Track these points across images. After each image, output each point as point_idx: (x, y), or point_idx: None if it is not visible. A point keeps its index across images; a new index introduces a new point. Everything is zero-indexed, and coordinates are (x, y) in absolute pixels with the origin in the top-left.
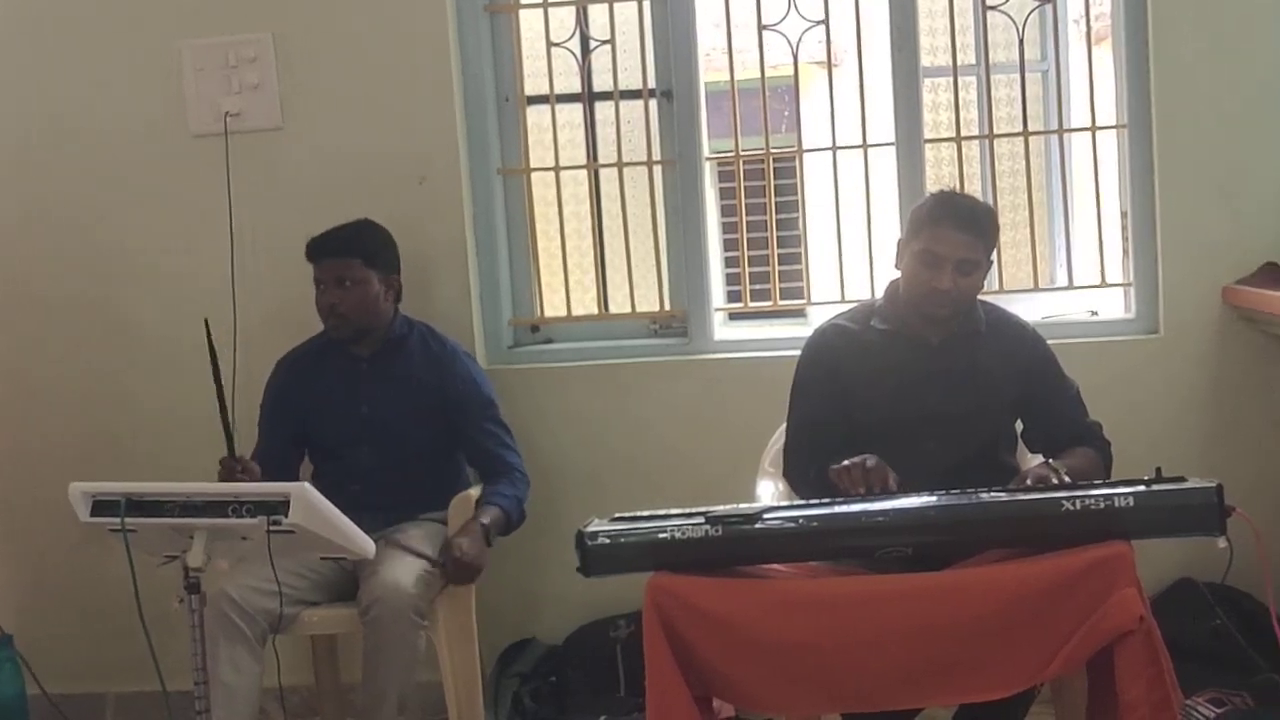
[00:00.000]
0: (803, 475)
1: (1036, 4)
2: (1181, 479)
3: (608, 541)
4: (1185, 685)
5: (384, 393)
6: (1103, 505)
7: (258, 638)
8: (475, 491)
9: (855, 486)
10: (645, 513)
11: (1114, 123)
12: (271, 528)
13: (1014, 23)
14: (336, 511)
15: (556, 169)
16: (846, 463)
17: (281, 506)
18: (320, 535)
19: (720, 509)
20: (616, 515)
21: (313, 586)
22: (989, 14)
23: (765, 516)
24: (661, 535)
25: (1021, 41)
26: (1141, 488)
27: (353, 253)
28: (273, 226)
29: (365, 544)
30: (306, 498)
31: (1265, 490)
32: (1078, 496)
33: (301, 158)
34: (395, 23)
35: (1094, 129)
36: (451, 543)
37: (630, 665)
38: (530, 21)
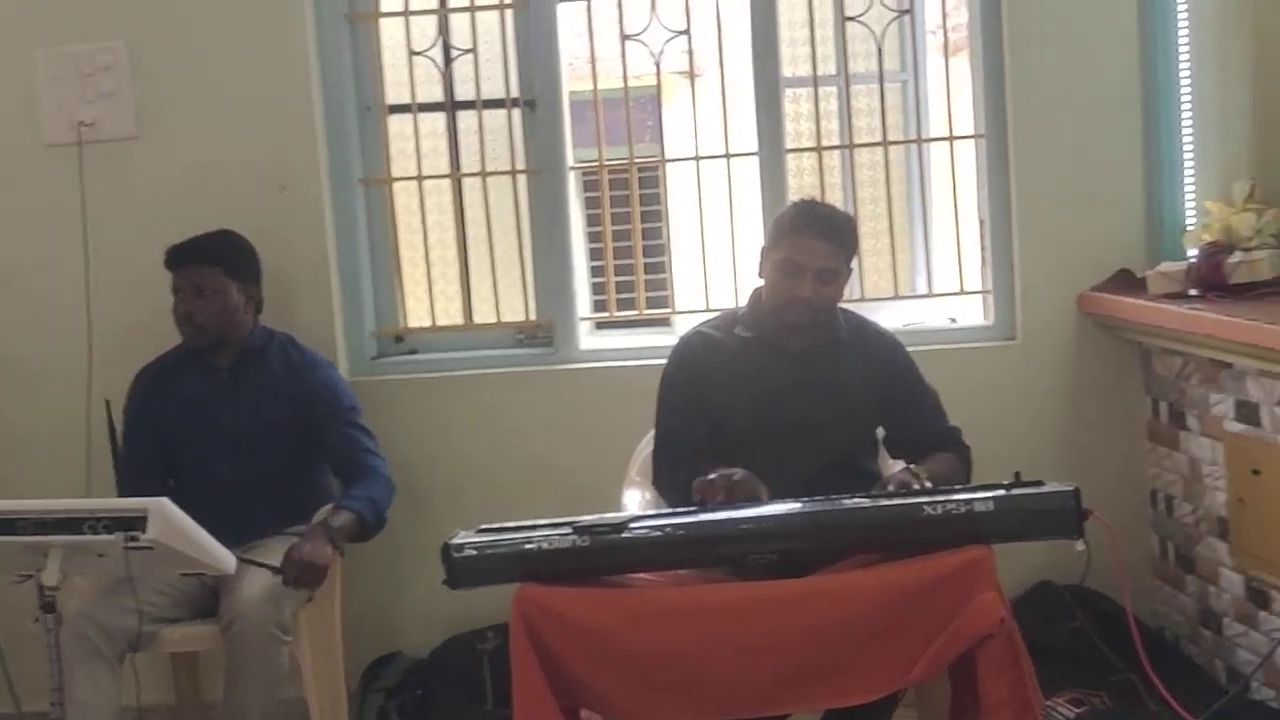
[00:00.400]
0: (671, 483)
1: (895, 15)
2: (1040, 483)
3: (474, 553)
4: (1045, 686)
5: (244, 404)
6: (963, 510)
7: (116, 656)
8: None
9: (717, 499)
10: (512, 524)
11: (971, 132)
12: (129, 544)
13: (873, 33)
14: (196, 526)
15: (419, 178)
16: (712, 475)
17: (139, 522)
18: (179, 551)
19: (587, 519)
20: (483, 526)
21: (173, 603)
22: (848, 25)
23: (632, 526)
24: (528, 546)
25: (880, 52)
26: (1001, 492)
27: (212, 261)
28: (129, 237)
29: (226, 559)
30: (164, 513)
31: (1121, 493)
32: (939, 501)
33: (158, 167)
34: (254, 31)
35: (952, 138)
36: (293, 546)
37: (498, 678)
38: (391, 30)
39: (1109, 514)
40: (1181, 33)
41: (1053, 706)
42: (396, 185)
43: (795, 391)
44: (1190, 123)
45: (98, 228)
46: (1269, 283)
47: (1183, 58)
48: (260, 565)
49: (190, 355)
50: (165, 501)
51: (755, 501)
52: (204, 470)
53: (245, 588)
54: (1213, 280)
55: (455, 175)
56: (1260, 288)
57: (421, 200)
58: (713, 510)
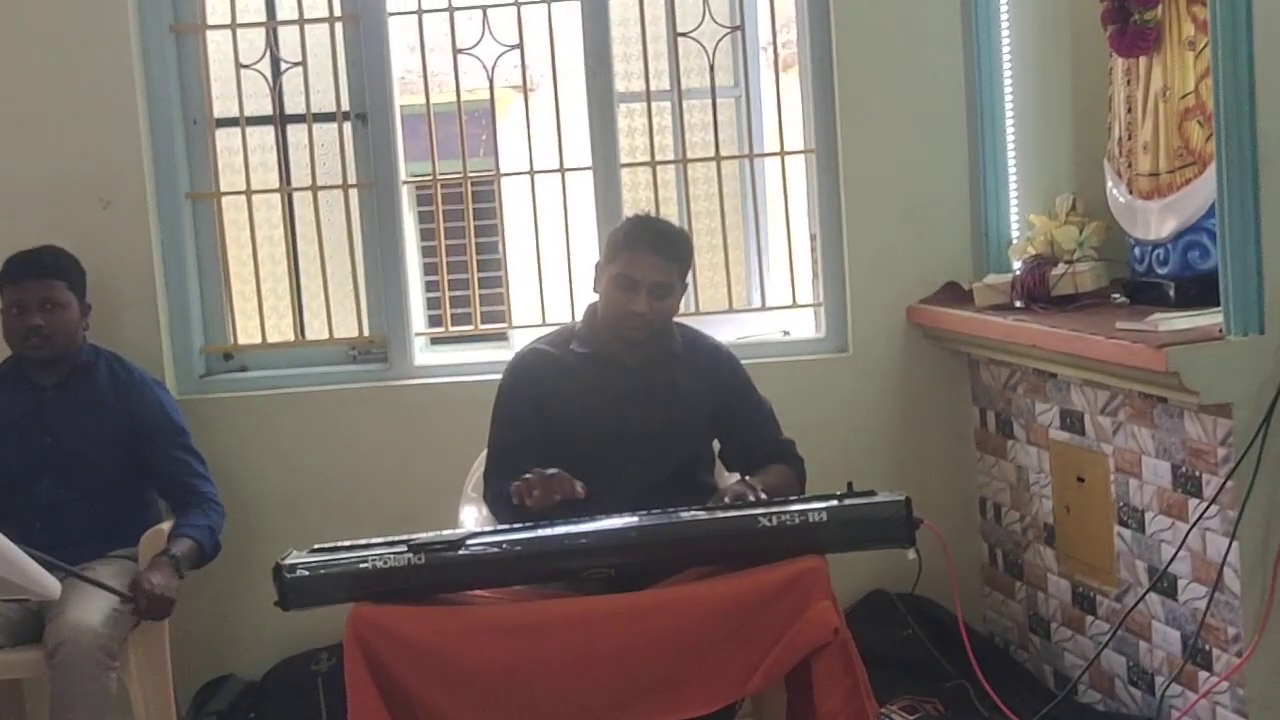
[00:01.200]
0: (502, 499)
1: (726, 31)
2: (872, 493)
3: (306, 574)
4: (879, 694)
5: (69, 422)
6: (798, 520)
7: None
8: (167, 526)
9: (533, 496)
10: (346, 542)
11: (802, 147)
12: None
13: (705, 49)
14: (17, 550)
15: (248, 193)
16: (526, 476)
17: None
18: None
19: (423, 536)
20: (316, 546)
21: None
22: (681, 40)
23: (469, 543)
24: (363, 565)
25: (712, 68)
26: (834, 502)
27: (57, 275)
28: None
29: (49, 584)
30: None
31: (951, 502)
32: (774, 513)
33: None
34: (76, 42)
35: (783, 154)
36: (141, 576)
37: (333, 700)
38: (218, 43)
39: (939, 522)
40: (1004, 53)
41: (887, 714)
42: (225, 200)
43: (631, 405)
44: (1014, 139)
45: None
46: (1091, 294)
47: (1006, 77)
48: (108, 589)
49: (14, 374)
50: None
51: (573, 498)
52: (26, 491)
53: (70, 613)
54: (1037, 292)
55: (285, 189)
56: (1083, 299)
57: (251, 215)
58: (549, 526)
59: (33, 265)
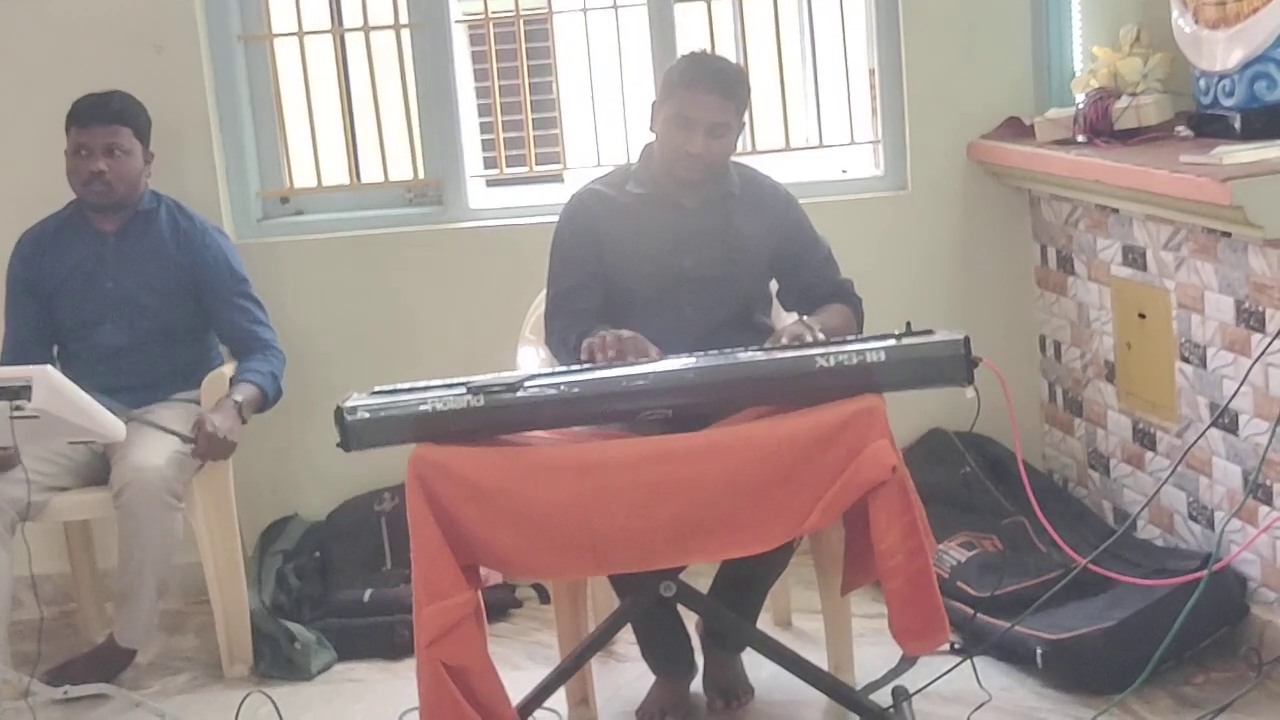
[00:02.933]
0: (564, 341)
1: None
2: (930, 332)
3: (367, 415)
4: (937, 531)
5: (130, 269)
6: (855, 360)
7: (6, 527)
8: (228, 369)
9: (607, 358)
10: (405, 385)
11: None
12: (14, 414)
13: None
14: (82, 394)
15: (300, 34)
16: (600, 334)
17: (24, 391)
18: (66, 419)
19: (481, 378)
20: (376, 389)
21: (63, 471)
22: None
23: (527, 384)
24: (423, 407)
25: None
26: (892, 342)
27: (124, 121)
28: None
29: (115, 426)
30: (50, 381)
31: (1010, 340)
32: (831, 353)
33: (28, 27)
34: None
35: None
36: (204, 418)
37: (395, 538)
38: None
39: (999, 360)
40: None
41: (945, 550)
42: (277, 42)
43: (689, 246)
44: None
45: None
46: (1156, 127)
47: None
48: (170, 432)
49: (75, 219)
50: (50, 369)
51: (645, 359)
52: (90, 337)
53: (135, 455)
54: (1100, 126)
55: (337, 31)
56: (1147, 132)
57: (303, 57)
58: (608, 367)
59: (100, 110)
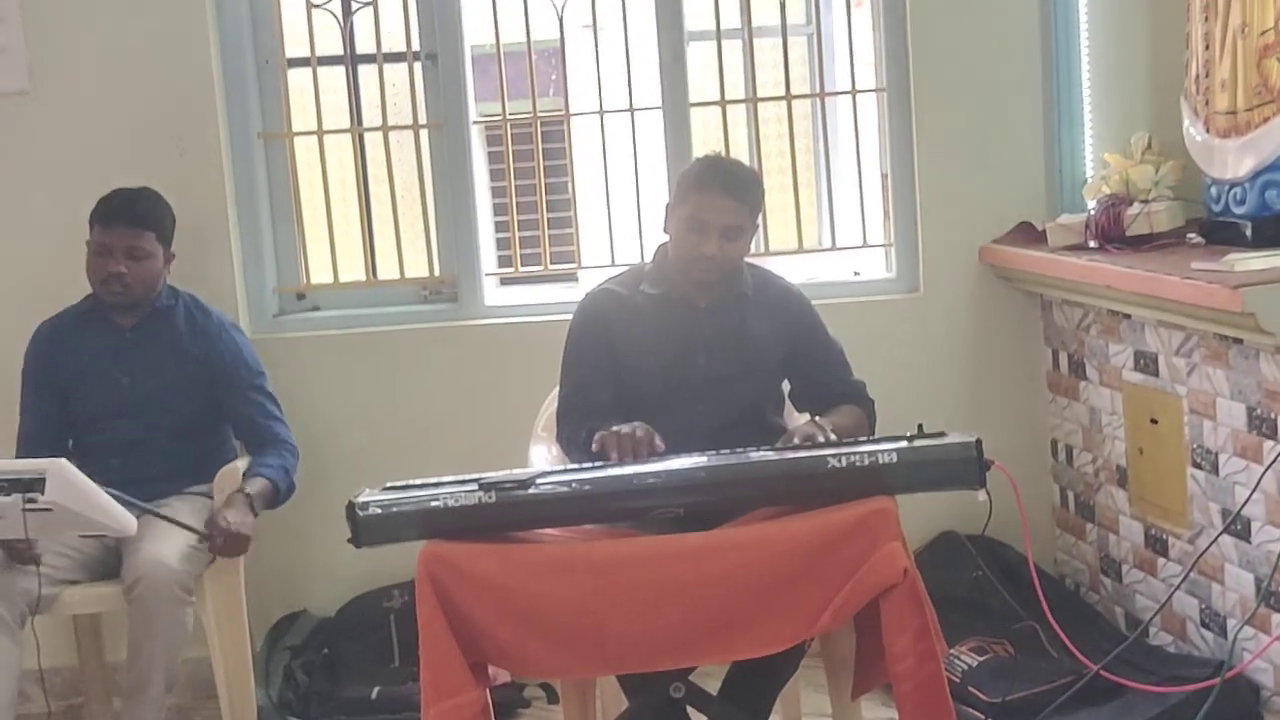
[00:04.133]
0: (575, 440)
1: None
2: (942, 434)
3: (379, 511)
4: (949, 635)
5: (146, 364)
6: (867, 461)
7: (16, 619)
8: (242, 464)
9: (618, 453)
10: (417, 481)
11: (874, 86)
12: (28, 506)
13: None
14: (96, 488)
15: (320, 133)
16: (614, 428)
17: (38, 484)
18: (79, 513)
19: (493, 475)
20: (388, 484)
21: (74, 565)
22: None
23: (538, 481)
24: (434, 503)
25: (783, 5)
26: (904, 444)
27: (148, 225)
28: (23, 195)
29: (126, 520)
30: (63, 474)
31: (1022, 444)
32: (843, 453)
33: (52, 123)
34: None
35: (854, 92)
36: (218, 514)
37: (404, 635)
38: None
39: (1011, 464)
40: None
41: (956, 655)
42: (297, 140)
43: (702, 346)
44: (1089, 76)
45: None
46: (1167, 234)
47: (1081, 12)
48: (186, 528)
49: (93, 312)
50: (64, 462)
51: (654, 454)
52: (105, 430)
53: (148, 548)
54: (1112, 232)
55: (356, 130)
56: (1158, 239)
57: (322, 155)
58: (619, 465)
59: (126, 212)
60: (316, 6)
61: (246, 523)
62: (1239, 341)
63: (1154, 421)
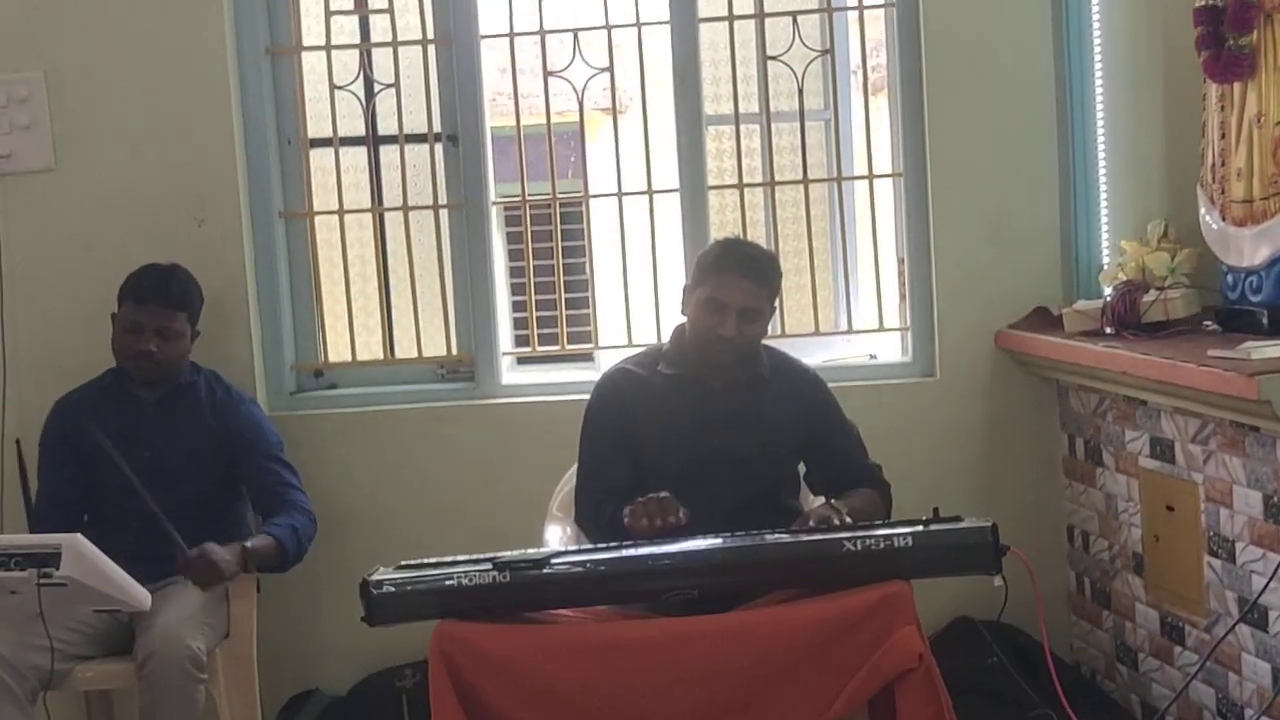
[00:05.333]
0: (594, 519)
1: (816, 54)
2: (958, 519)
3: (393, 590)
4: None
5: (167, 439)
6: (882, 545)
7: (28, 695)
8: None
9: (648, 520)
10: (432, 559)
11: (891, 170)
12: (42, 581)
13: (794, 73)
14: (110, 563)
15: (340, 212)
16: (641, 499)
17: (53, 559)
18: (94, 588)
19: (508, 554)
20: (402, 563)
21: (87, 640)
22: (770, 64)
23: (553, 561)
24: (448, 582)
25: (801, 91)
26: (920, 528)
27: (181, 305)
28: (45, 269)
29: (140, 596)
30: (79, 549)
31: (1038, 530)
32: (858, 537)
33: (76, 199)
34: (175, 63)
35: (871, 177)
36: (205, 545)
37: (417, 715)
38: (313, 64)
39: (1026, 550)
40: (1096, 77)
41: None
42: (317, 219)
43: (718, 428)
44: (1105, 163)
45: (14, 261)
46: (1183, 321)
47: (1098, 101)
48: (170, 532)
49: (114, 386)
50: (79, 538)
51: (677, 522)
52: (122, 505)
53: (161, 625)
54: (1128, 318)
55: (376, 209)
56: (1174, 326)
57: (343, 234)
58: (634, 546)
59: (160, 292)
60: (339, 88)
61: (229, 562)
62: (1255, 429)
63: (1170, 509)
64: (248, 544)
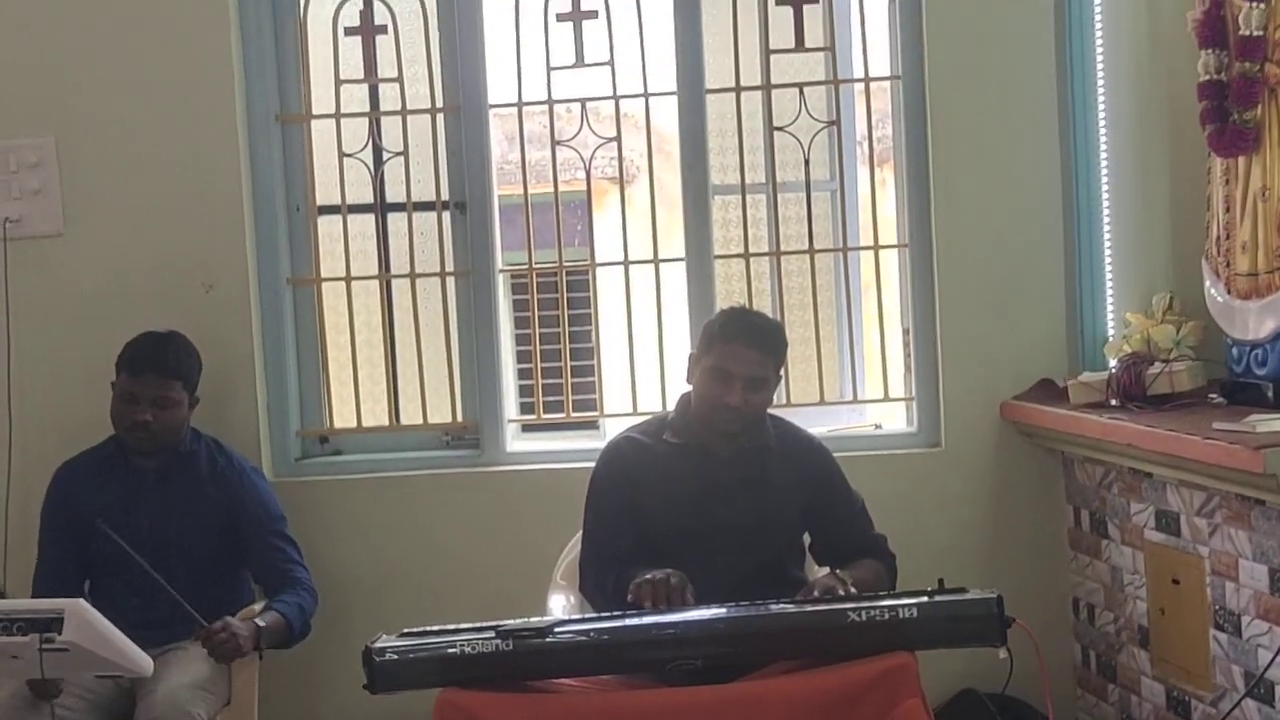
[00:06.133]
0: (599, 587)
1: (822, 125)
2: (963, 590)
3: (396, 658)
4: None
5: (167, 507)
6: (887, 616)
7: None
8: (259, 608)
9: (654, 602)
10: (435, 627)
11: (896, 241)
12: (44, 646)
13: (800, 144)
14: (113, 629)
15: (348, 279)
16: (648, 576)
17: (55, 624)
18: (96, 653)
19: (511, 623)
20: (405, 630)
21: (89, 706)
22: (776, 134)
23: (557, 630)
24: (451, 650)
25: (808, 162)
26: (925, 599)
27: (176, 375)
28: (53, 334)
29: (143, 662)
30: (81, 614)
31: (1043, 601)
32: (863, 608)
33: (84, 265)
34: (185, 130)
35: (877, 247)
36: (226, 619)
37: None
38: (322, 131)
39: (1032, 621)
40: (1101, 149)
41: None
42: (325, 286)
43: (724, 496)
44: (1110, 236)
45: (23, 325)
46: (1188, 394)
47: (1103, 173)
48: (190, 612)
49: (115, 455)
50: (82, 603)
51: (684, 605)
52: (124, 572)
53: (163, 691)
54: (1133, 391)
55: (384, 276)
56: (1179, 398)
57: (350, 300)
58: (637, 616)
59: (155, 361)
60: (348, 155)
61: (248, 636)
62: (1261, 502)
63: (1176, 582)
64: (260, 622)
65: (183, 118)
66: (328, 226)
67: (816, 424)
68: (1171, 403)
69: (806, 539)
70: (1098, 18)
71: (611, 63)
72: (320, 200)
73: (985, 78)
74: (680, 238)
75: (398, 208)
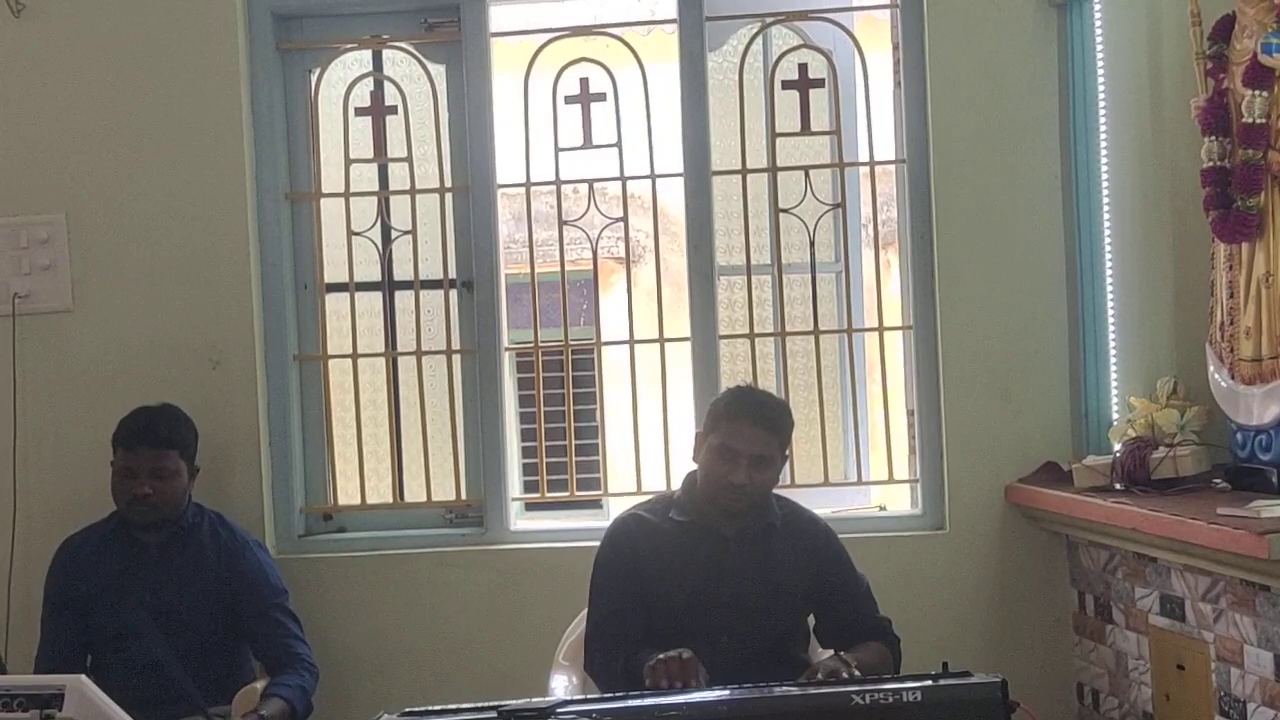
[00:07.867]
0: (606, 666)
1: (827, 208)
2: (967, 673)
3: None
4: None
5: (169, 582)
6: (891, 699)
7: None
8: (261, 685)
9: (668, 681)
10: (437, 707)
11: (901, 323)
12: None
13: (805, 226)
14: (114, 705)
15: (354, 356)
16: (662, 656)
17: (56, 700)
18: None
19: (513, 703)
20: (407, 710)
21: None
22: (782, 216)
23: (559, 710)
24: None
25: (813, 244)
26: (929, 682)
27: (171, 444)
28: (60, 409)
29: None
30: (82, 690)
31: (1047, 686)
32: (867, 690)
33: (93, 340)
34: (194, 207)
35: (881, 329)
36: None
37: None
38: (331, 210)
39: (1036, 706)
40: (1105, 234)
41: None
42: (331, 363)
43: (728, 576)
44: (1114, 320)
45: (29, 400)
46: (1192, 479)
47: (1107, 258)
48: (191, 689)
49: (117, 530)
50: (83, 679)
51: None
52: (125, 648)
53: None
54: (1137, 475)
55: (390, 354)
56: (1184, 483)
57: (356, 377)
58: (640, 696)
59: (147, 434)
60: (357, 234)
61: None
62: (1266, 588)
63: (1180, 667)
64: (263, 713)
65: (193, 195)
66: (335, 304)
67: (821, 504)
68: (1176, 487)
69: (811, 621)
70: (1101, 103)
71: (619, 144)
72: (328, 278)
73: (989, 162)
74: (686, 317)
75: (405, 285)
